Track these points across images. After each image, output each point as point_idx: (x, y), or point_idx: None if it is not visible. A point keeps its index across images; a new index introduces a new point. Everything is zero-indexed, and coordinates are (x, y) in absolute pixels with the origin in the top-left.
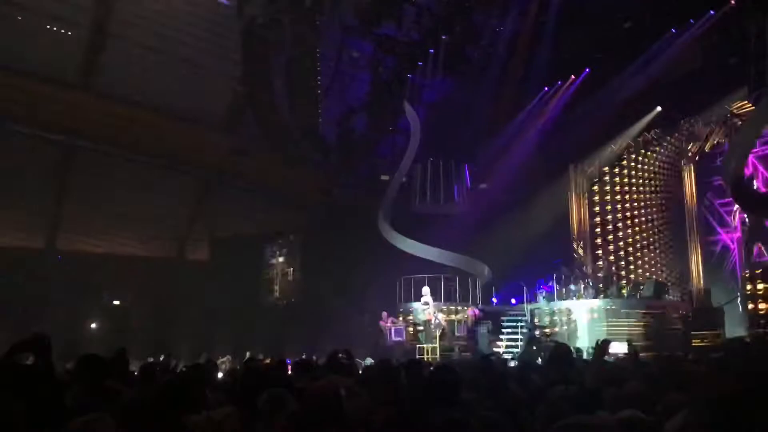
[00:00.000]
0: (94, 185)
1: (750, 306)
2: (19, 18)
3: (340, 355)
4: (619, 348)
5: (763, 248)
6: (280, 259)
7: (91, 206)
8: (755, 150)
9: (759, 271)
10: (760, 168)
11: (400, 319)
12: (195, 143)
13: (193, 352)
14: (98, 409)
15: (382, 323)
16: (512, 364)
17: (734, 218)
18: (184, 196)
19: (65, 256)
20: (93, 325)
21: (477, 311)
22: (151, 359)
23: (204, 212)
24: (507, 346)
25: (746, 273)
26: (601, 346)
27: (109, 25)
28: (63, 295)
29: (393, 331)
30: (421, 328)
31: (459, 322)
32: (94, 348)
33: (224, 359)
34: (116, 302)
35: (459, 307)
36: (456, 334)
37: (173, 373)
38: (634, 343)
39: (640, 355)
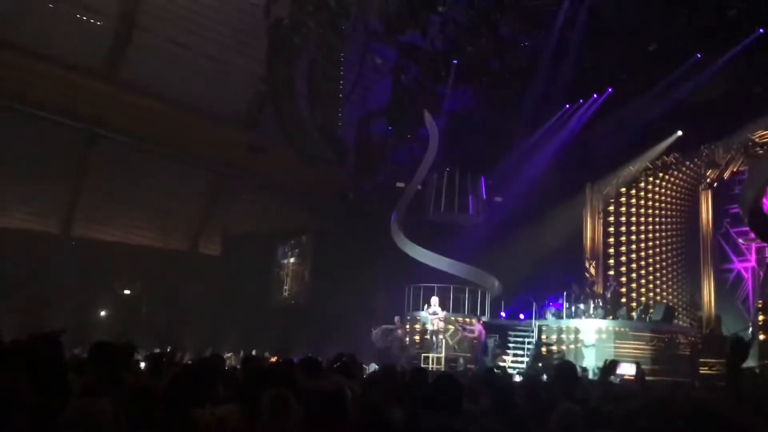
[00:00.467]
0: (113, 174)
1: (762, 337)
2: (51, 5)
3: (344, 358)
4: (626, 370)
5: None
6: (292, 260)
7: (108, 195)
8: None
9: None
10: None
11: (407, 326)
12: (214, 139)
13: (199, 345)
14: (106, 395)
15: (398, 330)
16: (517, 378)
17: (751, 248)
18: (201, 191)
19: (79, 242)
20: (102, 313)
21: (481, 326)
22: (158, 350)
23: (219, 207)
24: (513, 361)
25: (759, 303)
26: (609, 366)
27: (137, 17)
28: (75, 282)
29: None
30: (427, 337)
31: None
32: (102, 336)
33: (229, 355)
34: (127, 291)
35: (467, 319)
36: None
37: (179, 365)
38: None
39: (646, 378)
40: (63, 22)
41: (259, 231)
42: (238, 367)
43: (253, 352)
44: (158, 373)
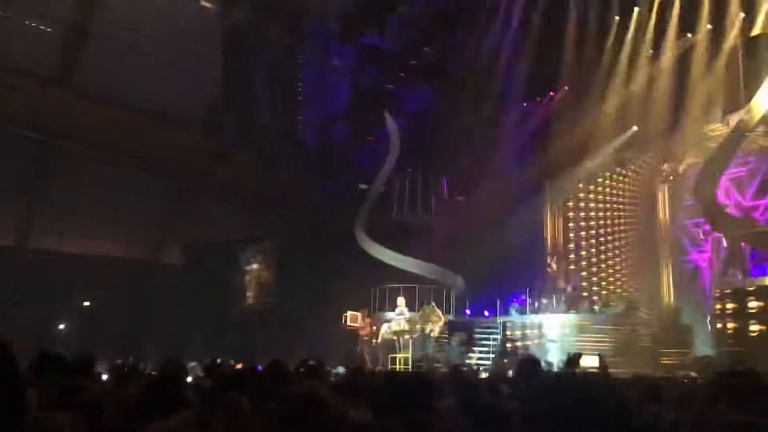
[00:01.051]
0: (70, 184)
1: (719, 325)
2: (1, 12)
3: (310, 362)
4: (589, 362)
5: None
6: (255, 265)
7: (66, 206)
8: (728, 172)
9: (728, 291)
10: (733, 190)
11: (373, 328)
12: (173, 145)
13: (163, 355)
14: (60, 407)
15: (361, 329)
16: (483, 375)
17: (708, 239)
18: (161, 198)
19: (36, 255)
20: (62, 326)
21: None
22: (120, 361)
23: (180, 215)
24: (479, 358)
25: (717, 293)
26: (572, 359)
27: (91, 24)
28: (33, 295)
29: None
30: (394, 337)
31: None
32: (63, 348)
33: (193, 364)
34: (87, 303)
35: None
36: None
37: (143, 375)
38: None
39: (608, 370)
40: (15, 31)
41: (222, 238)
42: (202, 375)
43: (218, 360)
44: (121, 384)
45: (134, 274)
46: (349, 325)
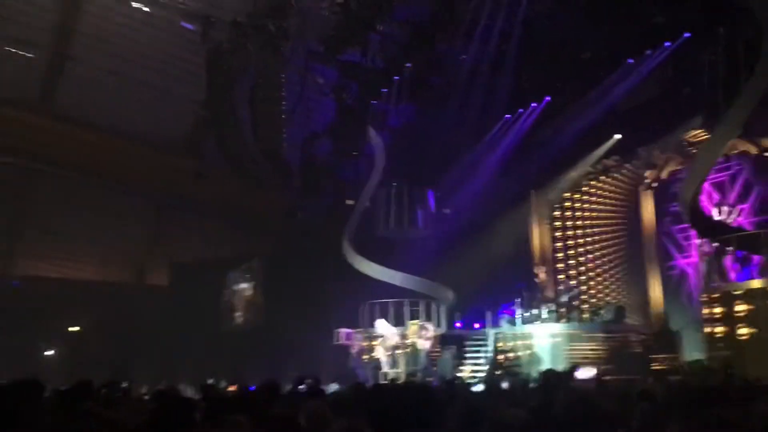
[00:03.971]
0: (52, 209)
1: (707, 330)
2: None
3: (308, 380)
4: (586, 374)
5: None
6: (243, 285)
7: (49, 230)
8: (710, 177)
9: (716, 295)
10: (714, 194)
11: (364, 343)
12: (155, 167)
13: (153, 378)
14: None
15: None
16: (475, 388)
17: (692, 244)
18: (144, 220)
19: (22, 281)
20: (50, 352)
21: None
22: (104, 390)
23: (164, 237)
24: (472, 371)
25: (704, 297)
26: (569, 373)
27: (71, 48)
28: (19, 321)
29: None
30: (388, 353)
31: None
32: (51, 373)
33: (182, 387)
34: (73, 328)
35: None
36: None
37: (135, 398)
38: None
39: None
40: None
41: (208, 258)
42: (196, 397)
43: (209, 381)
44: (113, 407)
45: (121, 296)
46: (342, 343)
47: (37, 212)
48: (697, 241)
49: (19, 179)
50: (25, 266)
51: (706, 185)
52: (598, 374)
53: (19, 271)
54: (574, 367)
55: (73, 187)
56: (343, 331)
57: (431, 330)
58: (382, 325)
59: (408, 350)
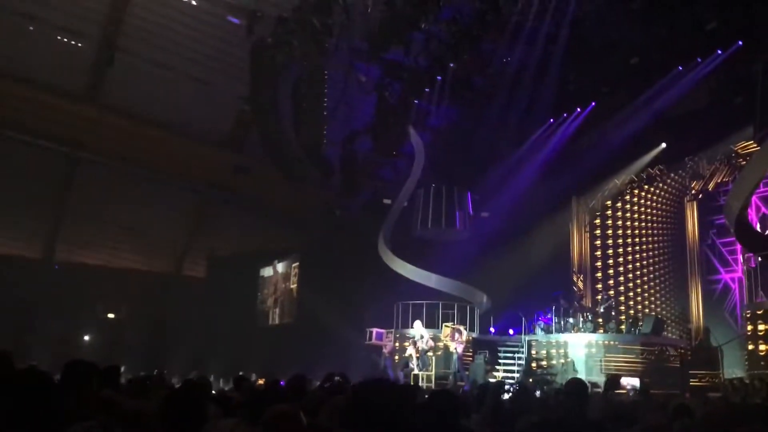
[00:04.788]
0: (95, 197)
1: (750, 347)
2: (31, 28)
3: (336, 377)
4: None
5: None
6: (278, 280)
7: (92, 218)
8: (759, 190)
9: (760, 311)
10: (763, 208)
11: (396, 344)
12: (198, 160)
13: (185, 368)
14: (90, 417)
15: (385, 345)
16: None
17: (740, 258)
18: (185, 212)
19: (62, 266)
20: (86, 338)
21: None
22: (143, 373)
23: (204, 229)
24: (503, 377)
25: (747, 313)
26: (611, 381)
27: (119, 39)
28: (58, 306)
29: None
30: (417, 355)
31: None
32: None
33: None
34: (111, 315)
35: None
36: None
37: (166, 387)
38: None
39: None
40: (42, 45)
41: (245, 251)
42: (226, 389)
43: (240, 374)
44: (144, 397)
45: (158, 286)
46: (374, 342)
47: (80, 199)
48: (743, 256)
49: (64, 167)
50: (66, 252)
51: (754, 198)
52: (642, 385)
53: (60, 256)
54: (617, 376)
55: (117, 177)
56: (375, 330)
57: (464, 333)
58: (419, 327)
59: (440, 353)
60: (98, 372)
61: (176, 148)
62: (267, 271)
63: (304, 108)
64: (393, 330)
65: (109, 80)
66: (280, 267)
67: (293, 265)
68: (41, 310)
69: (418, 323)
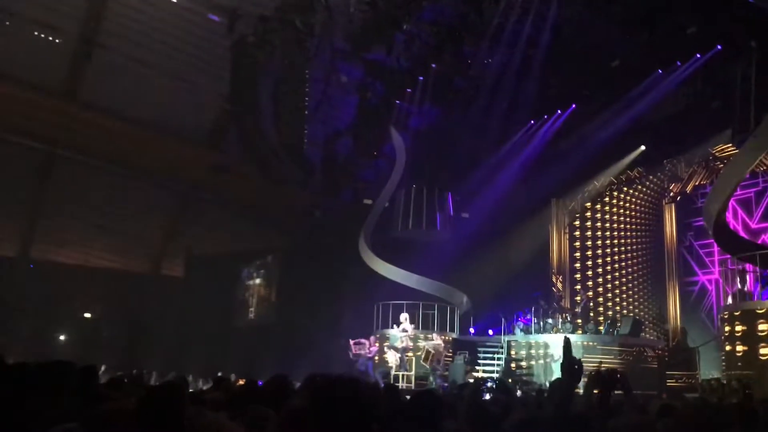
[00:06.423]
0: (72, 196)
1: (728, 347)
2: (7, 23)
3: (318, 378)
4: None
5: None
6: (257, 280)
7: (68, 217)
8: (736, 194)
9: (738, 313)
10: (740, 211)
11: (377, 344)
12: (177, 158)
13: (163, 368)
14: (67, 418)
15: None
16: (487, 396)
17: (714, 260)
18: (163, 211)
19: (38, 265)
20: (62, 337)
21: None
22: (120, 373)
23: (182, 228)
24: (483, 377)
25: (724, 315)
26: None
27: (98, 36)
28: (33, 305)
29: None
30: (398, 355)
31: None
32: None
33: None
34: (87, 314)
35: (434, 336)
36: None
37: (144, 387)
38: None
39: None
40: (19, 41)
41: (224, 252)
42: (205, 388)
43: (219, 374)
44: (123, 397)
45: (135, 286)
46: (354, 353)
47: (57, 198)
48: (720, 258)
49: (41, 164)
50: (42, 251)
51: (732, 201)
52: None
53: (36, 255)
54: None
55: (94, 175)
56: (352, 342)
57: (436, 338)
58: (405, 321)
59: (420, 353)
60: (75, 372)
61: (155, 146)
62: (246, 271)
63: (285, 107)
64: (375, 331)
65: (88, 78)
66: (260, 267)
67: (273, 265)
68: (16, 309)
69: (405, 316)
